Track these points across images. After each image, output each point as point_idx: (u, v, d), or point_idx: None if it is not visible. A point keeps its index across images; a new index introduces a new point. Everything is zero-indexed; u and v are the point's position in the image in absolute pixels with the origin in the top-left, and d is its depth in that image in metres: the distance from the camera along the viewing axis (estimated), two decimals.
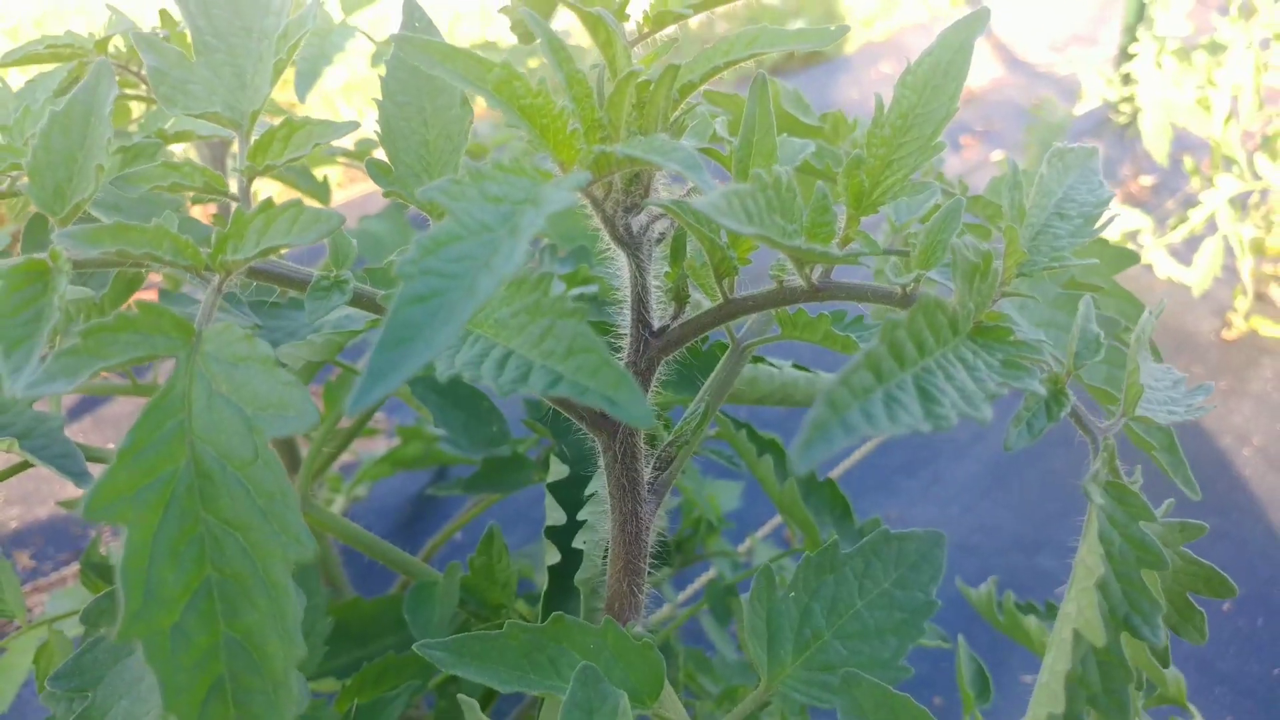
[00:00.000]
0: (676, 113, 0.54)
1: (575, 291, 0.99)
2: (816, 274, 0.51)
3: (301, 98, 0.92)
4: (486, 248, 0.39)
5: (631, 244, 0.55)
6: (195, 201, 0.92)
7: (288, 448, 1.23)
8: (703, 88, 0.56)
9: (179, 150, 1.12)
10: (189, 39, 0.59)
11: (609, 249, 0.57)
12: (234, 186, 0.55)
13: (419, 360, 0.36)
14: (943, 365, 0.41)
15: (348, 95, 3.71)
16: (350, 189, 3.12)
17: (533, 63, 1.44)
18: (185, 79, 0.56)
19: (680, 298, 0.58)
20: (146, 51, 0.54)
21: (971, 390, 0.40)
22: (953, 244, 0.42)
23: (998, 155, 3.41)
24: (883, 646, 0.60)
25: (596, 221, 0.53)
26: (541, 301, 0.45)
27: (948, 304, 0.42)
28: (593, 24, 0.50)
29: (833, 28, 0.51)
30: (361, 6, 1.05)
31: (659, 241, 0.57)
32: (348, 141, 1.42)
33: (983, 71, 4.53)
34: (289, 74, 1.00)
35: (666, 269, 0.58)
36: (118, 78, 0.94)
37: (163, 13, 0.91)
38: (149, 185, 0.51)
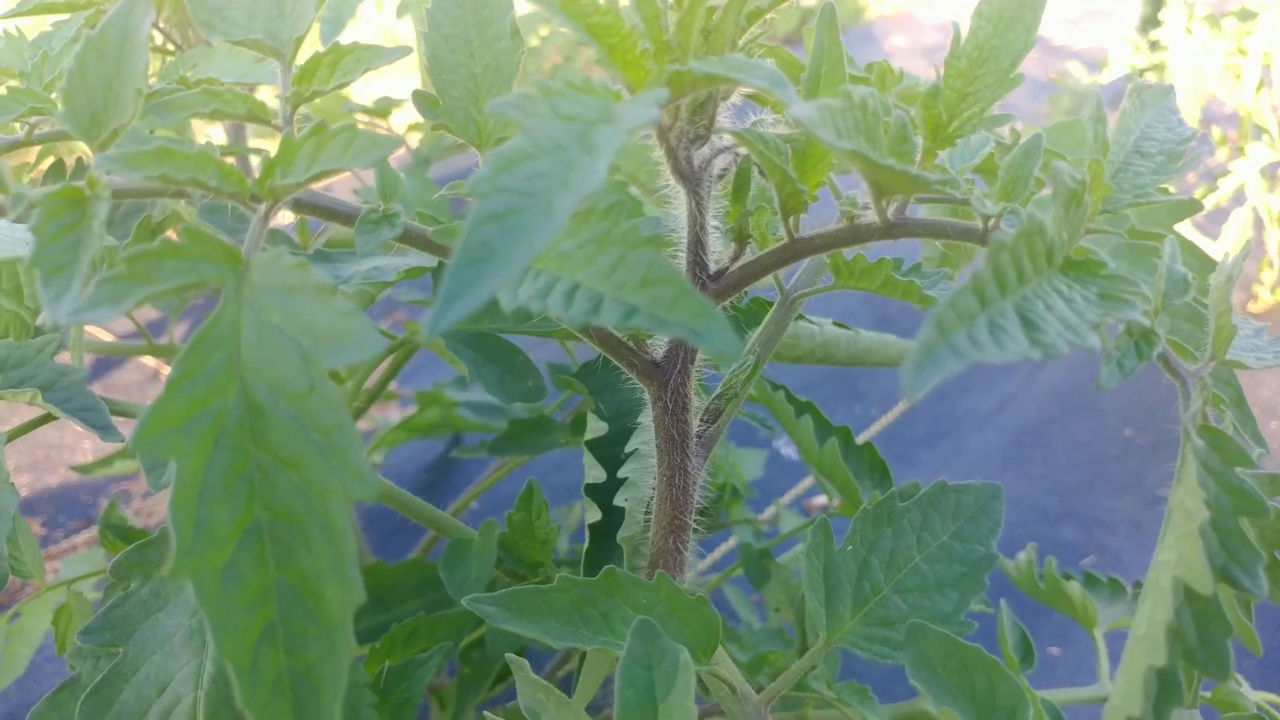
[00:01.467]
0: (743, 40, 0.51)
1: None
2: (892, 210, 0.48)
3: (326, 44, 0.89)
4: (563, 166, 0.37)
5: (693, 179, 0.52)
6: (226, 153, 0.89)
7: None
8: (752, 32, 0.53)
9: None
10: None
11: (667, 185, 0.54)
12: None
13: (497, 281, 0.34)
14: (1041, 294, 0.39)
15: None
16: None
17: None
18: (223, 5, 0.53)
19: (741, 237, 0.55)
20: None
21: (1074, 320, 0.38)
22: (1055, 166, 0.39)
23: (1017, 126, 3.37)
24: (944, 600, 0.58)
25: (659, 153, 0.50)
26: (611, 232, 0.43)
27: (1046, 232, 0.40)
28: None
29: None
30: None
31: (719, 179, 0.54)
32: (368, 98, 1.39)
33: None
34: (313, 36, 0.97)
35: (726, 208, 0.56)
36: None
37: None
38: (188, 112, 0.48)
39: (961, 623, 0.57)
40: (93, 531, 1.70)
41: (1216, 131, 2.08)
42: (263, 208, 0.45)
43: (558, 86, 0.40)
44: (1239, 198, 2.04)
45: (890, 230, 0.49)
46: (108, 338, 1.79)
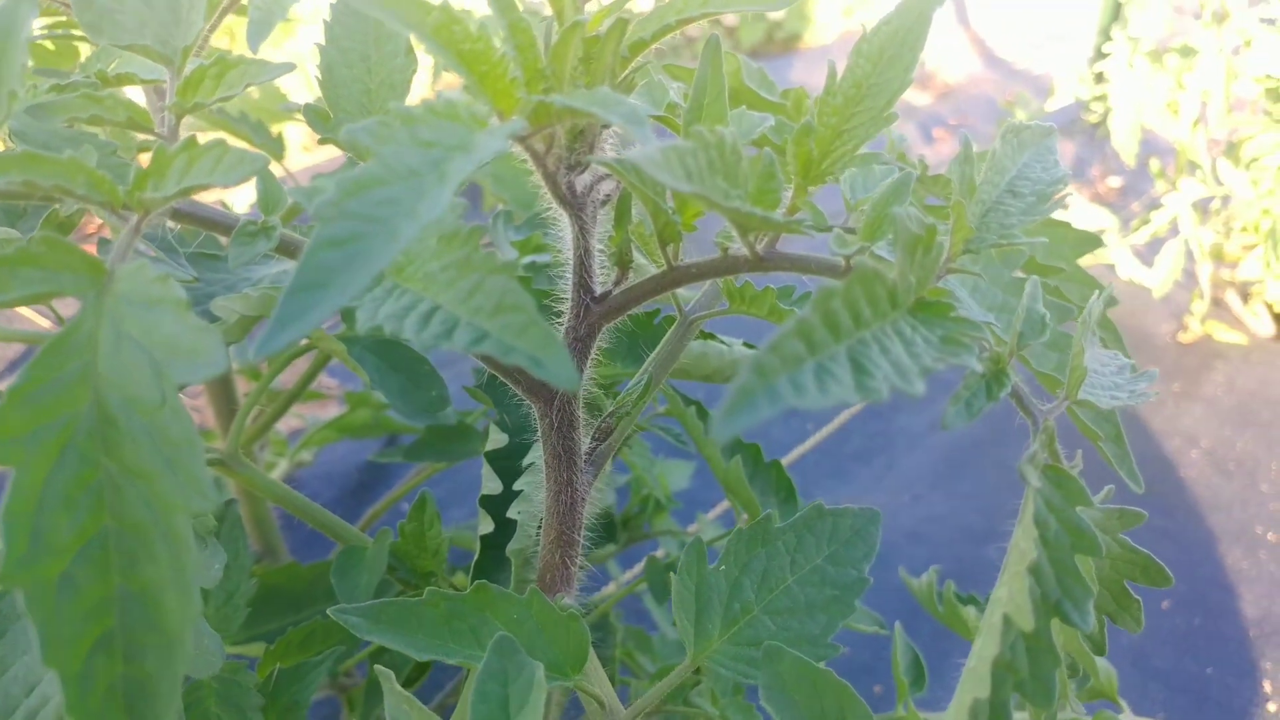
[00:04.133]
0: (626, 71, 0.52)
1: (527, 260, 0.97)
2: (761, 244, 0.49)
3: (253, 48, 0.89)
4: (413, 192, 0.37)
5: (574, 204, 0.53)
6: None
7: (225, 392, 1.19)
8: (655, 45, 0.54)
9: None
10: None
11: (551, 209, 0.55)
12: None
13: (330, 306, 0.34)
14: (879, 338, 0.40)
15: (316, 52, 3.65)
16: (317, 153, 3.06)
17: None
18: (114, 8, 0.53)
19: (623, 263, 0.56)
20: None
21: (906, 364, 0.39)
22: (894, 213, 0.41)
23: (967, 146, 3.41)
24: (812, 623, 0.59)
25: (538, 178, 0.51)
26: (472, 257, 0.44)
27: (888, 277, 0.41)
28: None
29: None
30: None
31: (604, 203, 0.55)
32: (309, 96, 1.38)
33: (959, 66, 4.54)
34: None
35: (611, 232, 0.57)
36: (65, 16, 0.91)
37: None
38: (65, 116, 0.48)
39: (828, 646, 0.58)
40: None
41: (1155, 164, 2.12)
42: (134, 219, 0.46)
43: (419, 112, 0.40)
44: (1176, 228, 2.09)
45: (760, 263, 0.50)
46: (44, 323, 1.76)
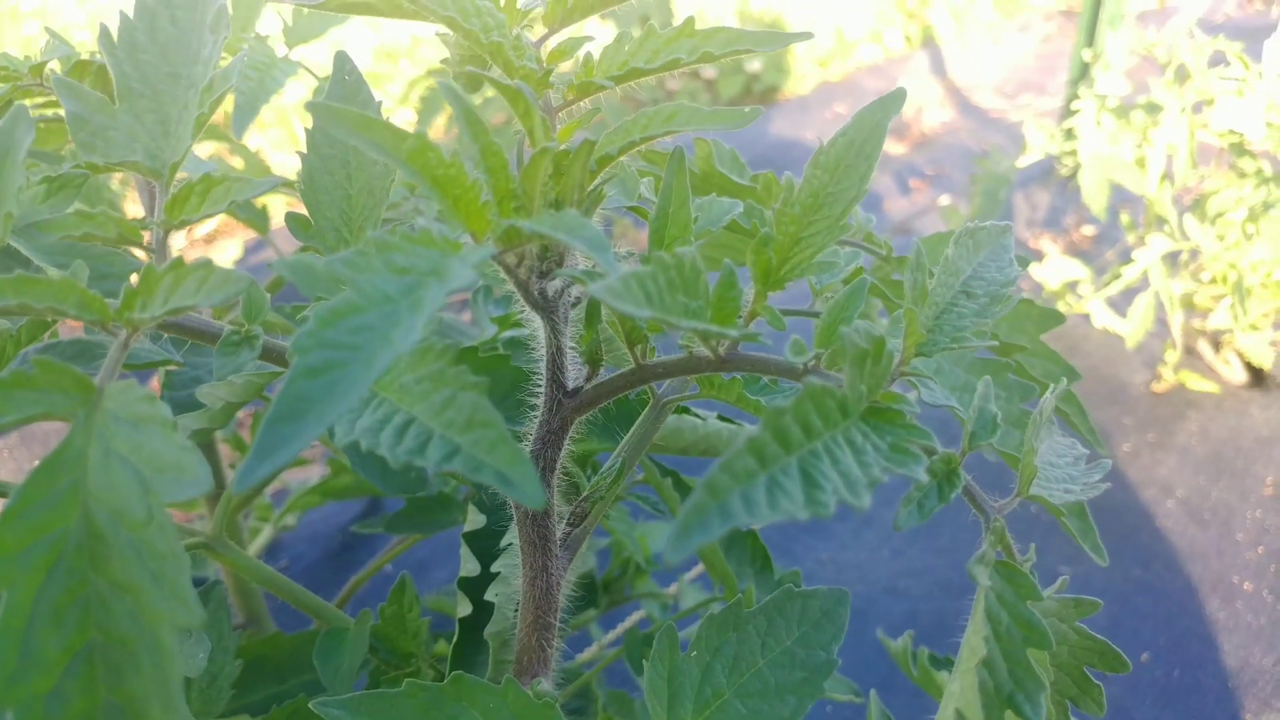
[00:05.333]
0: (595, 182, 0.55)
1: (506, 334, 0.99)
2: (723, 346, 0.52)
3: (238, 134, 0.92)
4: (388, 320, 0.39)
5: (546, 308, 0.55)
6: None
7: (214, 470, 1.21)
8: (621, 157, 0.57)
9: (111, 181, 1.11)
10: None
11: (525, 311, 0.57)
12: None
13: (309, 436, 0.36)
14: (830, 449, 0.42)
15: (304, 113, 3.70)
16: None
17: (478, 99, 1.44)
18: (106, 125, 0.56)
19: (594, 360, 0.59)
20: (66, 97, 0.54)
21: (855, 476, 0.41)
22: (841, 332, 0.43)
23: (945, 199, 3.47)
24: (782, 705, 0.61)
25: (511, 285, 0.53)
26: (446, 371, 0.46)
27: (836, 390, 0.43)
28: (512, 96, 0.51)
29: (747, 109, 0.52)
30: (305, 40, 1.05)
31: (575, 304, 0.58)
32: (293, 166, 1.41)
33: (935, 115, 4.61)
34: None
35: (582, 331, 0.59)
36: (56, 100, 0.93)
37: (102, 28, 0.90)
38: (60, 234, 0.51)
39: None
40: None
41: (1126, 217, 2.16)
42: (122, 335, 0.48)
43: (395, 241, 0.43)
44: (1148, 280, 2.13)
45: (723, 364, 0.52)
46: None
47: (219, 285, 0.46)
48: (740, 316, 0.50)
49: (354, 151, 0.61)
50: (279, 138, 3.84)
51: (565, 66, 0.62)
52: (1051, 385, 0.60)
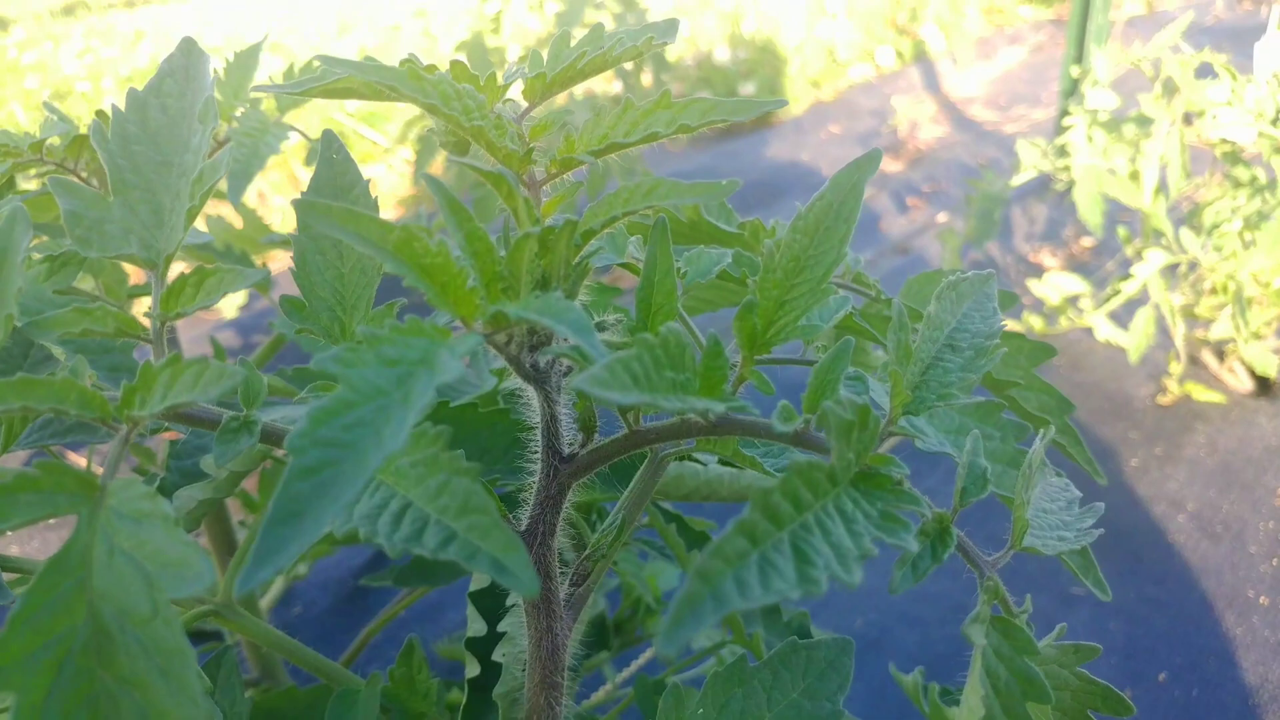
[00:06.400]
0: (580, 255, 0.56)
1: (506, 387, 1.00)
2: (714, 415, 0.53)
3: (235, 201, 0.94)
4: (380, 414, 0.40)
5: (539, 379, 0.56)
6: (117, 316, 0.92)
7: (224, 532, 1.23)
8: (608, 229, 0.58)
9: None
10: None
11: (518, 382, 0.58)
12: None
13: (309, 538, 0.37)
14: (821, 520, 0.43)
15: (303, 154, 3.74)
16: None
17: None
18: (101, 219, 0.57)
19: (588, 427, 0.59)
20: (61, 196, 0.55)
21: (846, 548, 0.42)
22: (824, 407, 0.44)
23: (943, 217, 3.49)
24: None
25: (502, 361, 0.54)
26: (439, 456, 0.47)
27: (824, 464, 0.44)
28: (495, 181, 0.52)
29: (724, 182, 0.53)
30: (297, 105, 1.07)
31: (567, 373, 0.59)
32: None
33: (930, 131, 4.63)
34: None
35: (576, 398, 0.60)
36: (55, 172, 0.95)
37: (99, 113, 0.92)
38: (60, 331, 0.52)
39: None
40: None
41: (1123, 231, 2.17)
42: (123, 431, 0.49)
43: (384, 334, 0.44)
44: (1147, 294, 2.13)
45: (714, 429, 0.53)
46: None
47: (215, 380, 0.47)
48: (728, 384, 0.51)
49: None
50: (279, 180, 3.87)
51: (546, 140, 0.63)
52: (1041, 431, 0.61)
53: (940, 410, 0.78)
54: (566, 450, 0.60)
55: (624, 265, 0.76)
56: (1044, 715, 0.53)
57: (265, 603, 1.55)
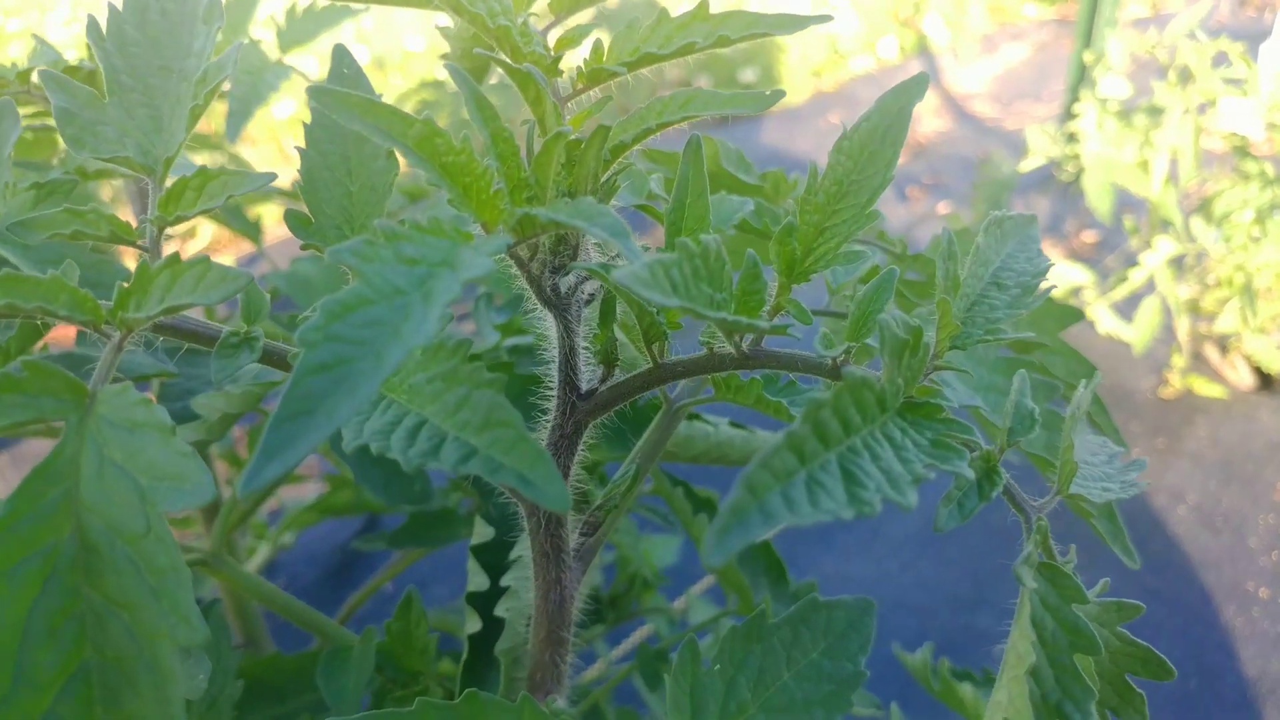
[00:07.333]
0: (608, 173, 0.52)
1: (509, 342, 0.97)
2: (747, 342, 0.49)
3: (232, 138, 0.90)
4: (398, 313, 0.37)
5: (559, 305, 0.53)
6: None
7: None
8: (638, 147, 0.55)
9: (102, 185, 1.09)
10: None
11: (536, 309, 0.55)
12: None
13: (318, 435, 0.34)
14: (869, 444, 0.40)
15: (295, 129, 3.69)
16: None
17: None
18: (96, 120, 0.53)
19: (609, 361, 0.56)
20: (54, 92, 0.52)
21: (898, 473, 0.39)
22: (880, 320, 0.41)
23: (944, 207, 3.46)
24: (809, 719, 0.58)
25: (522, 282, 0.51)
26: (459, 369, 0.43)
27: (875, 382, 0.41)
28: (522, 80, 0.48)
29: (768, 92, 0.50)
30: (299, 44, 1.03)
31: (589, 302, 0.55)
32: (285, 179, 1.39)
33: (931, 124, 4.61)
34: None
35: (596, 330, 0.57)
36: (44, 107, 0.91)
37: (88, 45, 0.88)
38: (48, 233, 0.48)
39: None
40: None
41: (1129, 221, 2.15)
42: (116, 337, 0.45)
43: (404, 230, 0.40)
44: (1153, 284, 2.11)
45: (746, 361, 0.50)
46: None
47: (217, 282, 0.44)
48: (765, 310, 0.48)
49: (355, 147, 0.59)
50: (269, 153, 3.82)
51: (570, 57, 0.60)
52: (1083, 382, 0.58)
53: (969, 367, 0.76)
54: (585, 386, 0.57)
55: (642, 207, 0.73)
56: (1088, 671, 0.50)
57: (250, 570, 1.51)
